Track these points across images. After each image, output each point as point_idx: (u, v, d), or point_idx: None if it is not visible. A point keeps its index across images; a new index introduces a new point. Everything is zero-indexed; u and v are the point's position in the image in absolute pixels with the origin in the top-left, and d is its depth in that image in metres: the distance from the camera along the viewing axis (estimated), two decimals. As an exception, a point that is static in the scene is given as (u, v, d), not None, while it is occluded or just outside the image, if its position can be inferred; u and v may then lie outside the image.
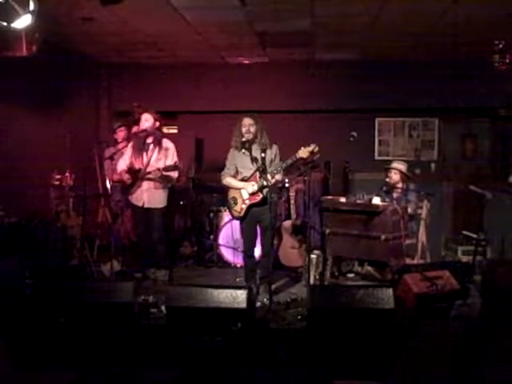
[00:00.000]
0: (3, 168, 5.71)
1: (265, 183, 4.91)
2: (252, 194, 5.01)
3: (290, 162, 4.89)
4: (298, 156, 4.81)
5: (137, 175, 5.46)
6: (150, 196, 5.49)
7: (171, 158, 5.48)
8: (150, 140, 5.48)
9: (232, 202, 5.14)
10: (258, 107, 7.32)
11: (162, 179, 5.43)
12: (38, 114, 6.42)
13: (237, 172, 5.16)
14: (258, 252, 5.32)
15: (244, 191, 5.05)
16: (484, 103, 7.49)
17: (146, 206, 5.49)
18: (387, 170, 5.86)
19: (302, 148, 4.80)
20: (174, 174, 5.48)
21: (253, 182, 5.00)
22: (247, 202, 5.05)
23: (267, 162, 5.00)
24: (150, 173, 5.40)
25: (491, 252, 6.21)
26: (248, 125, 5.01)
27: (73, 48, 6.81)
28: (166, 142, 5.55)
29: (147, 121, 5.44)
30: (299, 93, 7.73)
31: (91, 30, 5.89)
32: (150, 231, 5.53)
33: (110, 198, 6.25)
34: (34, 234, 5.36)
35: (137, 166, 5.49)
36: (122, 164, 5.56)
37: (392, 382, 3.06)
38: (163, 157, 5.46)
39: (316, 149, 4.80)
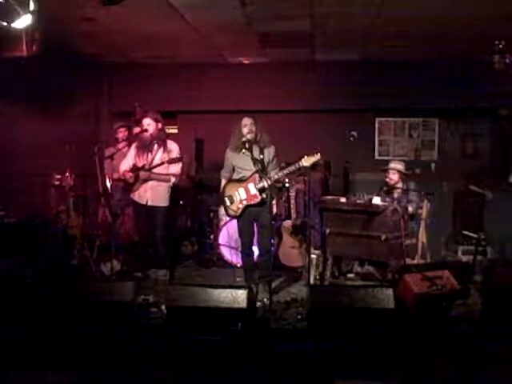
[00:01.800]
0: (3, 168, 5.71)
1: (265, 185, 4.92)
2: (251, 195, 5.02)
3: (292, 169, 4.87)
4: (301, 164, 4.78)
5: (139, 173, 5.46)
6: (153, 194, 5.50)
7: (176, 167, 5.50)
8: (154, 141, 5.49)
9: (228, 201, 5.14)
10: (258, 107, 7.35)
11: (162, 177, 5.43)
12: (38, 114, 6.41)
13: (233, 171, 5.17)
14: (256, 251, 5.32)
15: (242, 191, 5.05)
16: (484, 103, 7.49)
17: (149, 203, 5.50)
18: (386, 170, 5.87)
19: (306, 157, 4.76)
20: (176, 170, 5.49)
21: (251, 184, 5.01)
22: (245, 202, 5.05)
23: (265, 164, 5.01)
24: (154, 167, 5.41)
25: (491, 252, 6.20)
26: (249, 124, 5.02)
27: (73, 48, 6.80)
28: (170, 143, 5.57)
29: (149, 125, 5.45)
30: (299, 93, 7.72)
31: (91, 29, 5.89)
32: (153, 230, 5.54)
33: (111, 197, 6.26)
34: (34, 234, 5.36)
35: (140, 164, 5.50)
36: (125, 165, 5.57)
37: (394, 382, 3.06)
38: (167, 157, 5.47)
39: (320, 160, 4.79)
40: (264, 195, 4.98)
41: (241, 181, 5.09)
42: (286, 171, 4.91)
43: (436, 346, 3.52)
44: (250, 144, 5.00)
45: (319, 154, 4.78)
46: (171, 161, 5.36)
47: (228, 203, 5.15)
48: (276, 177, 4.95)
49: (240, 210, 5.08)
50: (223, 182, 5.25)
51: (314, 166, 4.94)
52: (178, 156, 5.44)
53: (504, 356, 3.27)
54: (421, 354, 3.44)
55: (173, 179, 5.53)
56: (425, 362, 3.35)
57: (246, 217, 5.11)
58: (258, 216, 5.06)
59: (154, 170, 5.44)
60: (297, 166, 4.82)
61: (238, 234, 5.35)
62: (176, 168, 5.49)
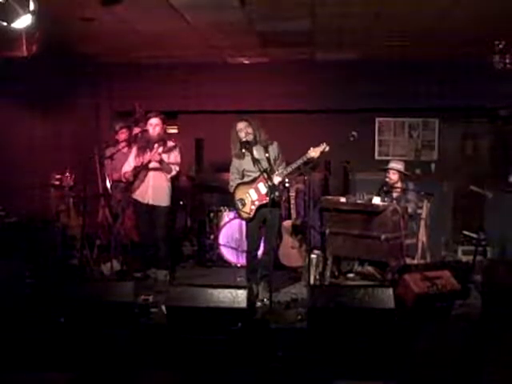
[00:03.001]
0: (3, 168, 5.71)
1: (275, 182, 4.85)
2: (262, 195, 4.98)
3: (300, 162, 4.81)
4: (308, 156, 4.76)
5: (139, 170, 5.48)
6: (155, 193, 5.51)
7: (174, 156, 5.52)
8: (156, 141, 5.50)
9: (240, 204, 5.08)
10: (258, 107, 7.35)
11: (163, 166, 5.45)
12: (38, 114, 6.42)
13: (243, 176, 5.14)
14: (260, 251, 5.33)
15: (253, 192, 5.03)
16: (484, 103, 7.49)
17: (150, 202, 5.51)
18: (385, 170, 5.87)
19: (312, 148, 4.77)
20: (176, 159, 5.51)
21: (261, 183, 4.98)
22: (257, 203, 5.01)
23: (272, 161, 4.99)
24: (150, 162, 5.43)
25: (491, 252, 6.20)
26: (244, 127, 5.00)
27: (73, 48, 6.80)
28: (170, 144, 5.59)
29: (158, 125, 5.46)
30: (299, 93, 7.72)
31: (91, 29, 5.89)
32: (154, 229, 5.55)
33: (111, 197, 6.26)
34: (34, 233, 5.36)
35: (139, 163, 5.51)
36: (127, 167, 5.58)
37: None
38: (167, 157, 5.49)
39: (327, 148, 4.77)
40: (276, 193, 4.85)
41: (250, 182, 5.06)
42: (294, 165, 4.84)
43: (435, 345, 3.52)
44: (248, 145, 4.99)
45: (325, 143, 4.76)
46: (165, 150, 5.38)
47: (240, 206, 5.07)
48: (285, 172, 4.91)
49: (253, 212, 5.02)
50: (232, 188, 5.17)
51: (313, 166, 4.93)
52: (172, 145, 5.44)
53: (504, 356, 3.27)
54: (420, 354, 3.44)
55: (173, 170, 5.54)
56: (424, 362, 3.35)
57: (257, 219, 5.05)
58: (267, 216, 4.99)
59: (153, 165, 5.45)
60: (304, 159, 4.77)
61: (239, 235, 5.33)
62: (175, 157, 5.50)
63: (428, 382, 3.25)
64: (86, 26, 5.70)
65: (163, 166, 5.44)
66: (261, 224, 5.10)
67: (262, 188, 4.97)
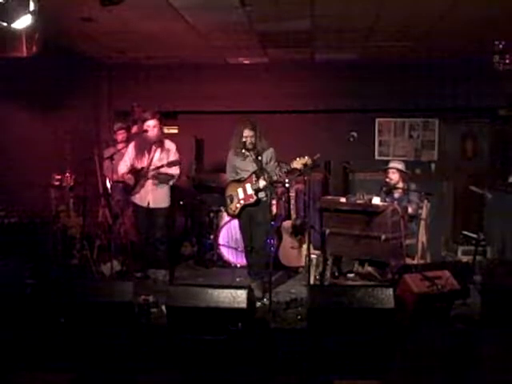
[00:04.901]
0: (3, 168, 5.71)
1: (260, 186, 5.02)
2: (247, 195, 5.12)
3: (284, 170, 4.98)
4: (291, 166, 4.87)
5: (139, 175, 5.47)
6: (155, 196, 5.50)
7: (172, 157, 5.50)
8: (152, 141, 5.50)
9: (228, 200, 5.27)
10: (258, 107, 7.35)
11: (163, 177, 5.45)
12: (38, 114, 6.41)
13: (236, 172, 5.24)
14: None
15: (240, 191, 5.16)
16: (484, 103, 7.49)
17: (151, 205, 5.50)
18: (386, 171, 5.86)
19: (297, 159, 4.85)
20: (176, 171, 5.51)
21: (248, 184, 5.11)
22: (242, 202, 5.17)
23: (263, 165, 5.11)
24: (151, 170, 5.43)
25: (491, 252, 6.20)
26: (250, 137, 5.12)
27: (73, 48, 6.80)
28: (168, 143, 5.58)
29: (155, 127, 5.45)
30: (299, 93, 7.72)
31: (91, 29, 5.89)
32: (154, 230, 5.54)
33: (111, 198, 6.26)
34: (34, 234, 5.35)
35: (139, 166, 5.50)
36: (123, 166, 5.57)
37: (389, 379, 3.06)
38: (165, 157, 5.48)
39: (309, 161, 4.84)
40: (261, 195, 5.09)
41: (240, 181, 5.20)
42: (278, 172, 5.00)
43: (434, 345, 3.52)
44: (248, 150, 5.10)
45: (307, 156, 4.81)
46: (170, 164, 5.38)
47: (228, 202, 5.27)
48: (275, 178, 5.03)
49: (238, 210, 5.20)
50: (227, 182, 5.37)
51: (313, 166, 4.96)
52: (176, 159, 5.46)
53: (503, 356, 3.27)
54: (419, 354, 3.44)
55: (171, 181, 5.55)
56: (423, 362, 3.35)
57: (245, 216, 5.22)
58: (254, 215, 5.17)
59: (153, 172, 5.45)
60: (288, 168, 4.91)
61: (239, 235, 5.43)
62: (175, 170, 5.50)
63: (425, 382, 3.26)
64: (85, 25, 5.70)
65: (161, 179, 5.46)
66: (251, 221, 5.24)
67: (249, 189, 5.13)
